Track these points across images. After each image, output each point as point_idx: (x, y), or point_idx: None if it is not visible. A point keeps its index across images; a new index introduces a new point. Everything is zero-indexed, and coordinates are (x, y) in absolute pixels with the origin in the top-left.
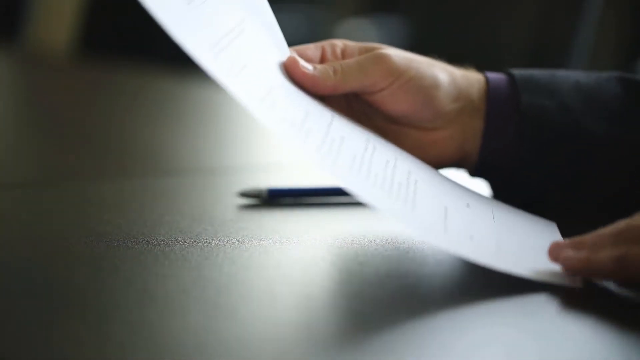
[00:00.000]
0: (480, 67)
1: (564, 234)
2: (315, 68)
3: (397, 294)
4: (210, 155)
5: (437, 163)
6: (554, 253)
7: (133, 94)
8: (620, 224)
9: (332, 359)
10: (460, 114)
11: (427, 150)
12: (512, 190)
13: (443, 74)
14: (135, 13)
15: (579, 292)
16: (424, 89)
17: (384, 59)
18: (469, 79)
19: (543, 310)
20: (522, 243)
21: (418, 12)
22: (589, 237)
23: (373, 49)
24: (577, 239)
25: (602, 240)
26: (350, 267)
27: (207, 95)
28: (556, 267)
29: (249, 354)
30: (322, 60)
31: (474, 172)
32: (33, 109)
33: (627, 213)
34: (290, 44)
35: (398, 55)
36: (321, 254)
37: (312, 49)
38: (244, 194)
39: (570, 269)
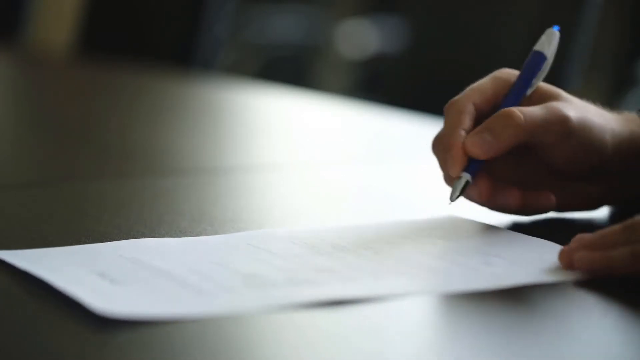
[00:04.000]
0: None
1: None
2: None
3: None
4: (210, 155)
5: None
6: (566, 257)
7: (133, 94)
8: (628, 221)
9: None
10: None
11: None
12: None
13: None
14: (135, 13)
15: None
16: (593, 152)
17: (566, 123)
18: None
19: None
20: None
21: (418, 12)
22: (596, 236)
23: (548, 95)
24: (584, 240)
25: (614, 237)
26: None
27: (207, 95)
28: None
29: (249, 353)
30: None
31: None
32: (33, 109)
33: None
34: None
35: (577, 117)
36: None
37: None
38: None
39: (587, 270)
